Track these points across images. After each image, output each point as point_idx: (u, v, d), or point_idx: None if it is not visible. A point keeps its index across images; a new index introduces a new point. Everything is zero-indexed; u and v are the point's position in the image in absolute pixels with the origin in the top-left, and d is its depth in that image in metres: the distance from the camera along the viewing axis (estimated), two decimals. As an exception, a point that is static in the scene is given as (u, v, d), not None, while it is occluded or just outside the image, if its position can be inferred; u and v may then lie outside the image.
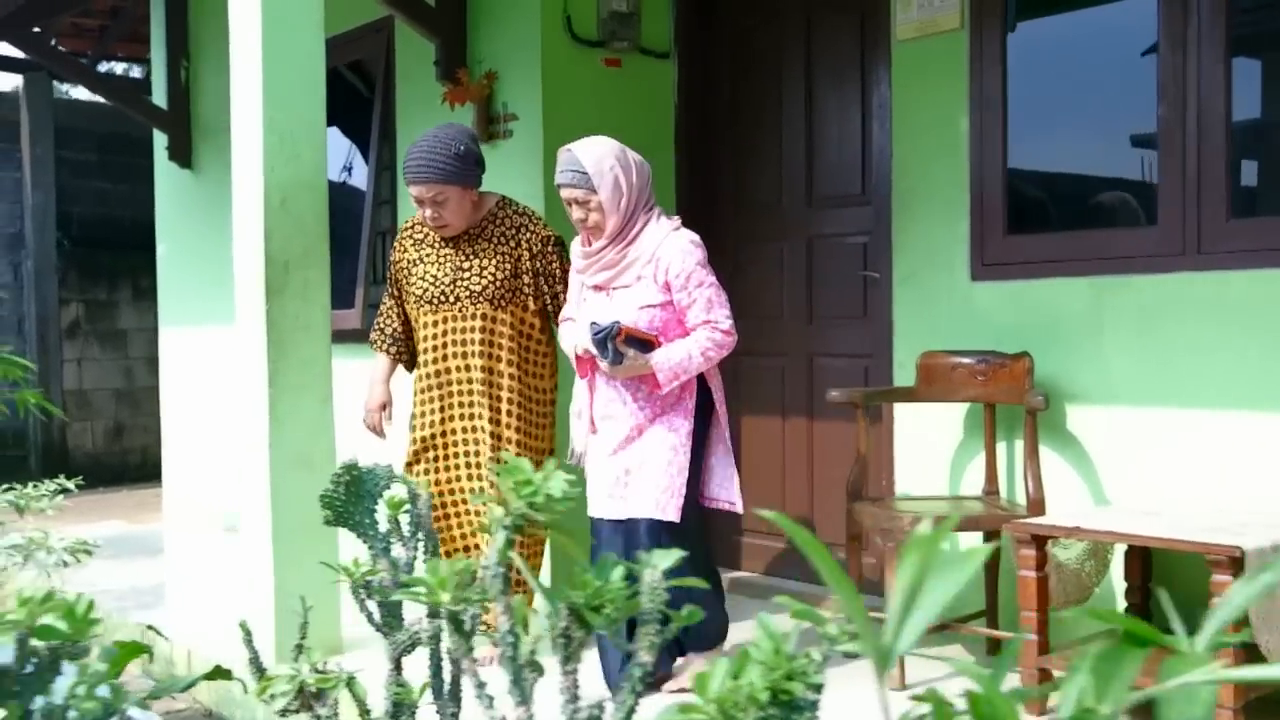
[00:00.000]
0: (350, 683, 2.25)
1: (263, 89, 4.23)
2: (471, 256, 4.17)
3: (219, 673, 1.80)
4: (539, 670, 1.76)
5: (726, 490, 3.92)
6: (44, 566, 3.85)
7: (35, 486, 4.11)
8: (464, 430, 4.20)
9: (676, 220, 3.93)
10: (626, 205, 3.78)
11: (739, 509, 3.94)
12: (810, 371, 5.24)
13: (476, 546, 4.20)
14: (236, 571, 5.89)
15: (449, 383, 4.19)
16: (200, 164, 7.73)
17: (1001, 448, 4.36)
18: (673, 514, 3.71)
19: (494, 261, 4.16)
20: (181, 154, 7.70)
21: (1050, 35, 4.53)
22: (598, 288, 3.88)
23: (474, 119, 5.45)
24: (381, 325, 4.38)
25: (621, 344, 3.65)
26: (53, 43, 8.93)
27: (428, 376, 4.22)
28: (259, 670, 2.29)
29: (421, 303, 4.21)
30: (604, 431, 3.86)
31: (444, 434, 4.21)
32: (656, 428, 3.77)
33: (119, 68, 12.81)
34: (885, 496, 4.60)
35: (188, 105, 7.74)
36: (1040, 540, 3.55)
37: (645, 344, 3.70)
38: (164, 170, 7.98)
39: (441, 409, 4.20)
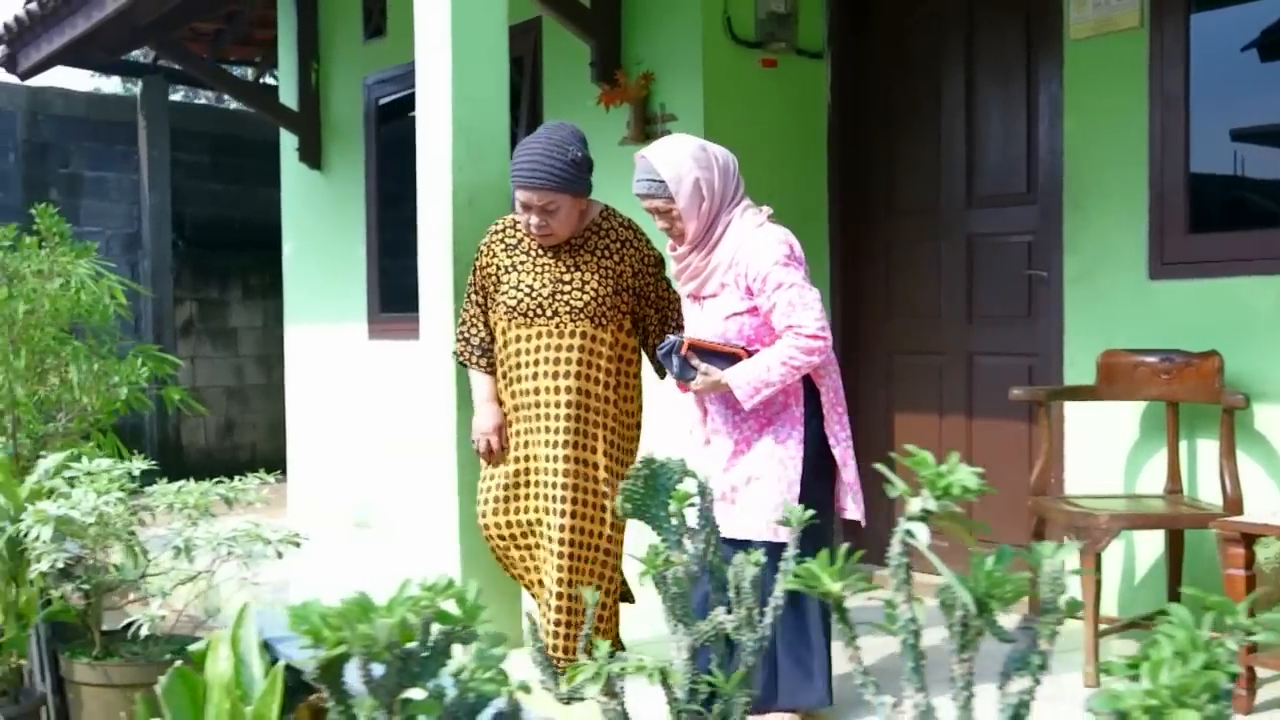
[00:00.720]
0: (664, 674, 2.31)
1: (451, 91, 4.28)
2: (573, 269, 3.82)
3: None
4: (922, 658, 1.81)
5: (849, 500, 3.59)
6: (257, 557, 3.95)
7: (241, 479, 4.23)
8: (547, 459, 3.83)
9: (763, 215, 3.65)
10: (708, 209, 3.55)
11: (860, 519, 3.58)
12: (970, 370, 5.25)
13: (540, 582, 3.94)
14: (376, 566, 6.01)
15: (537, 404, 3.83)
16: (329, 164, 7.84)
17: (1183, 446, 4.35)
18: (785, 535, 3.55)
19: (597, 276, 3.82)
20: (311, 155, 7.82)
21: (1232, 27, 4.51)
22: (691, 296, 3.66)
23: (629, 119, 5.52)
24: (467, 335, 3.99)
25: (692, 359, 3.47)
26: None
27: (517, 395, 3.87)
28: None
29: (514, 314, 3.83)
30: (714, 446, 3.64)
31: (530, 457, 3.89)
32: (764, 440, 3.53)
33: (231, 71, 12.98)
34: (1056, 493, 4.60)
35: (317, 107, 7.86)
36: (1249, 539, 3.55)
37: (727, 356, 3.47)
38: (292, 171, 8.10)
39: (529, 432, 3.87)
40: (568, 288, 3.80)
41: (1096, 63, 4.60)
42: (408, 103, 7.49)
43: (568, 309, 3.79)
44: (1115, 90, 4.54)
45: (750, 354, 3.46)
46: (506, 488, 3.90)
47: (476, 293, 3.96)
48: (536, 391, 3.81)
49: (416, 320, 6.94)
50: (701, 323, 3.57)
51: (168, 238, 10.17)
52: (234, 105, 12.68)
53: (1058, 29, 4.73)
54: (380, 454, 7.18)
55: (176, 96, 12.20)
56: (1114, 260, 4.58)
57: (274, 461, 7.35)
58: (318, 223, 7.95)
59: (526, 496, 3.88)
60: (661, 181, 3.52)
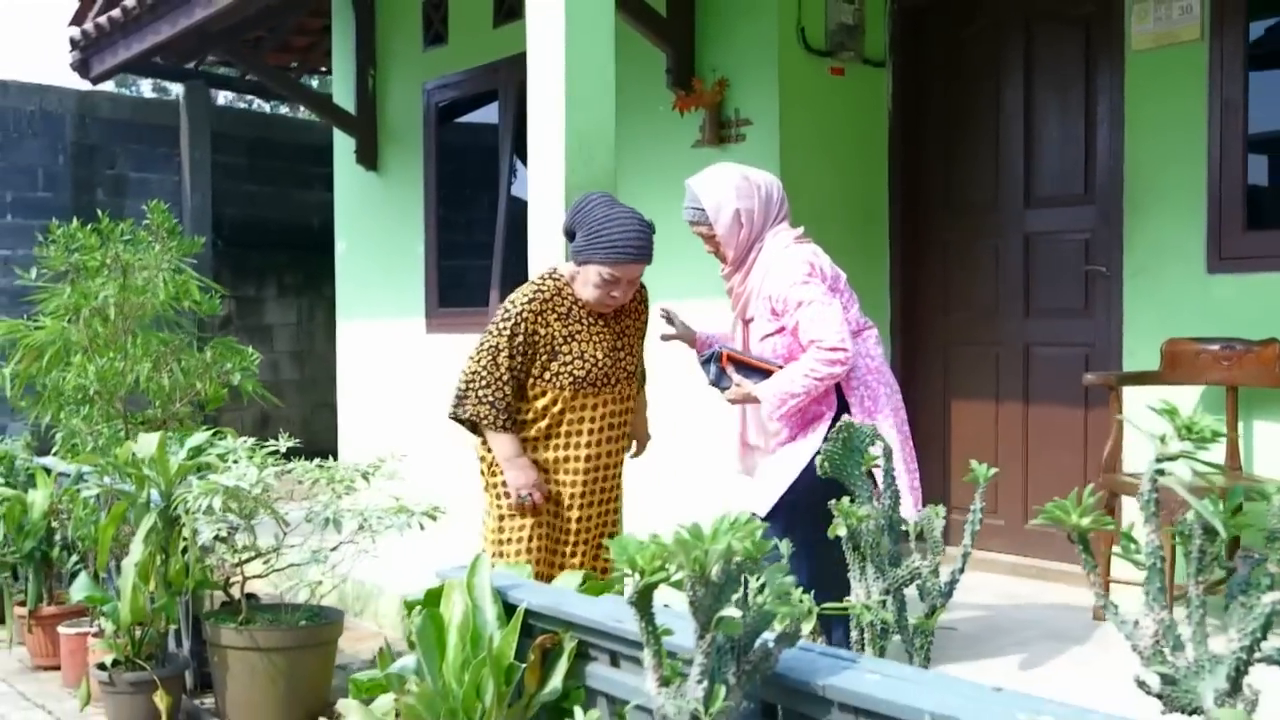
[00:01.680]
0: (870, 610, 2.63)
1: (565, 95, 4.56)
2: (621, 334, 3.89)
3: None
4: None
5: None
6: (402, 528, 4.25)
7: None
8: (602, 514, 3.94)
9: (790, 238, 3.86)
10: (747, 236, 3.83)
11: (912, 513, 3.71)
12: (1026, 361, 5.60)
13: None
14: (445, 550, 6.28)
15: (597, 467, 3.88)
16: (385, 166, 8.12)
17: (1240, 427, 4.70)
18: (763, 508, 3.74)
19: (637, 340, 3.97)
20: (368, 157, 8.10)
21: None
22: (739, 318, 3.98)
23: (704, 123, 5.84)
24: (493, 400, 3.74)
25: (730, 370, 3.79)
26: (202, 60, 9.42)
27: (572, 460, 3.83)
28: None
29: (581, 385, 3.79)
30: (754, 453, 4.05)
31: (586, 517, 3.89)
32: (790, 446, 3.84)
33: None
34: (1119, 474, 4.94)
35: (373, 111, 8.14)
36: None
37: (762, 371, 3.76)
38: (347, 172, 8.38)
39: (586, 494, 3.87)
40: (621, 355, 3.87)
41: (1157, 72, 4.95)
42: (465, 106, 7.82)
43: (625, 375, 3.88)
44: (1176, 98, 4.90)
45: (776, 367, 3.76)
46: (556, 541, 3.88)
47: (512, 357, 3.74)
48: (598, 456, 3.86)
49: (474, 314, 7.28)
50: (746, 343, 3.93)
51: (208, 237, 10.42)
52: (269, 110, 12.92)
53: (1119, 40, 5.09)
54: (439, 443, 7.45)
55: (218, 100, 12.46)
56: (1172, 256, 4.93)
57: (307, 453, 7.63)
58: (373, 222, 8.22)
59: (576, 554, 3.89)
60: (703, 209, 3.84)
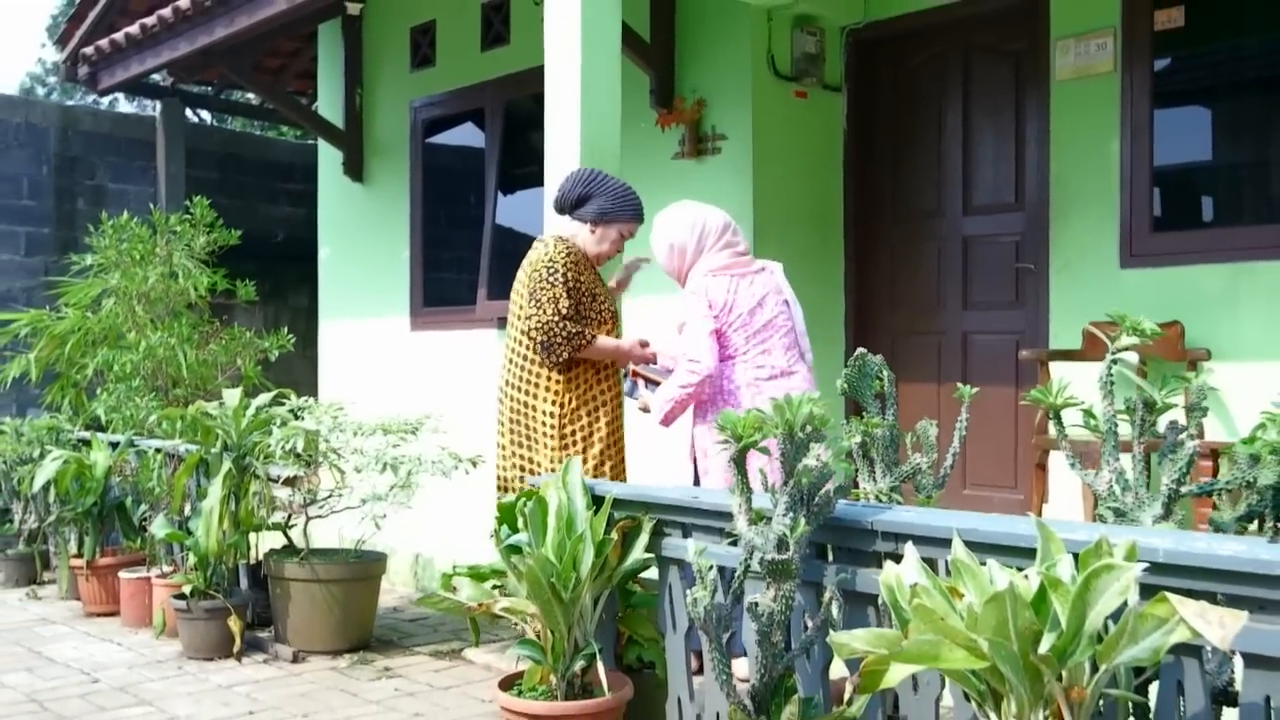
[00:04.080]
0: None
1: (580, 108, 5.26)
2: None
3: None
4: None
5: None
6: (449, 471, 4.93)
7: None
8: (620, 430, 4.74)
9: (705, 269, 4.39)
10: (679, 265, 4.46)
11: None
12: (965, 347, 6.45)
13: None
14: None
15: (619, 389, 4.68)
16: (371, 177, 8.79)
17: (1148, 398, 5.57)
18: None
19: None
20: (355, 169, 8.76)
21: (1186, 71, 5.81)
22: None
23: (683, 138, 6.62)
24: (574, 333, 4.44)
25: (639, 384, 4.50)
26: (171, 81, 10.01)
27: (614, 386, 4.63)
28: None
29: (614, 321, 4.62)
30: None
31: (617, 431, 4.66)
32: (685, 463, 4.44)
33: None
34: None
35: (360, 127, 8.81)
36: (1215, 454, 4.76)
37: (657, 384, 4.41)
38: (331, 182, 9.03)
39: (617, 409, 4.65)
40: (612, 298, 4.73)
41: (1077, 99, 5.84)
42: (451, 122, 8.53)
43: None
44: (1093, 121, 5.79)
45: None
46: (604, 451, 4.55)
47: (569, 297, 4.44)
48: (619, 380, 4.66)
49: (457, 313, 7.97)
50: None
51: (181, 247, 10.95)
52: (239, 128, 13.43)
53: (1045, 72, 5.97)
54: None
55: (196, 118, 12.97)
56: (1091, 254, 5.81)
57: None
58: (358, 229, 8.87)
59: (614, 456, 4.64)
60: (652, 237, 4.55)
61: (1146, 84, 5.63)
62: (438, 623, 5.71)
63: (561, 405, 4.48)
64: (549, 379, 4.46)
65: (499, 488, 4.57)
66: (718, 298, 4.31)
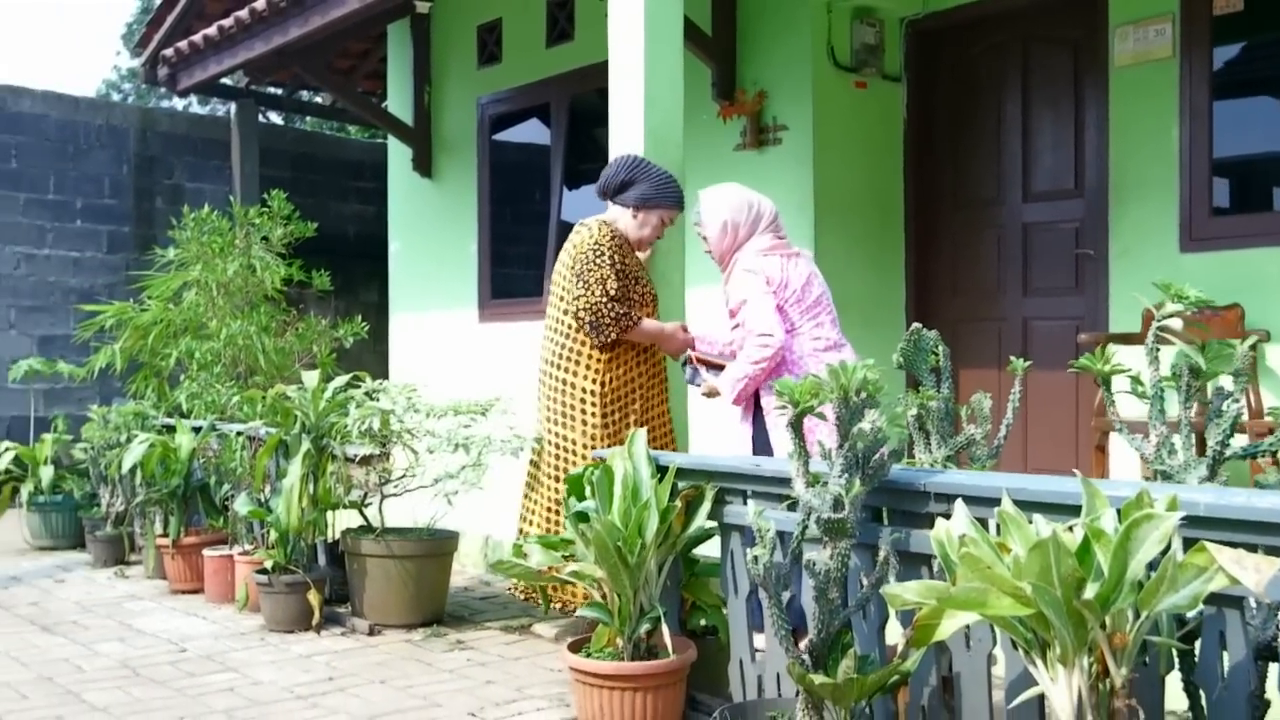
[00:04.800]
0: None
1: (644, 99, 5.40)
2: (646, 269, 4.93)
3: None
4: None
5: None
6: (515, 451, 5.09)
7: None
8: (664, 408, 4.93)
9: (758, 249, 4.47)
10: (730, 244, 4.51)
11: None
12: (1025, 333, 6.52)
13: None
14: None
15: (663, 369, 4.88)
16: (439, 173, 9.00)
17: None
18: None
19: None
20: (424, 165, 8.98)
21: (1248, 55, 5.84)
22: (729, 312, 4.70)
23: (745, 129, 6.75)
24: (620, 314, 4.65)
25: (701, 370, 4.59)
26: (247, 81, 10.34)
27: (655, 366, 4.84)
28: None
29: (653, 305, 4.83)
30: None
31: (656, 410, 4.85)
32: (741, 426, 4.52)
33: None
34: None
35: (429, 124, 9.03)
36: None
37: (719, 368, 4.52)
38: (401, 178, 9.26)
39: (656, 388, 4.84)
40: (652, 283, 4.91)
41: (1136, 85, 5.90)
42: (518, 117, 8.73)
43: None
44: (1152, 106, 5.84)
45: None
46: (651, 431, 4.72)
47: (616, 279, 4.67)
48: (659, 363, 4.87)
49: (524, 305, 8.15)
50: (729, 334, 4.66)
51: (256, 245, 11.26)
52: (310, 128, 13.73)
53: (1103, 58, 6.03)
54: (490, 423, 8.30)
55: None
56: (1150, 239, 5.86)
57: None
58: (428, 224, 9.09)
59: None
60: (702, 216, 4.60)
61: (1206, 69, 5.67)
62: (508, 600, 5.88)
63: (603, 384, 4.65)
64: (591, 357, 4.65)
65: (531, 461, 4.83)
66: (774, 275, 4.42)
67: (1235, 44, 5.85)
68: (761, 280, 4.40)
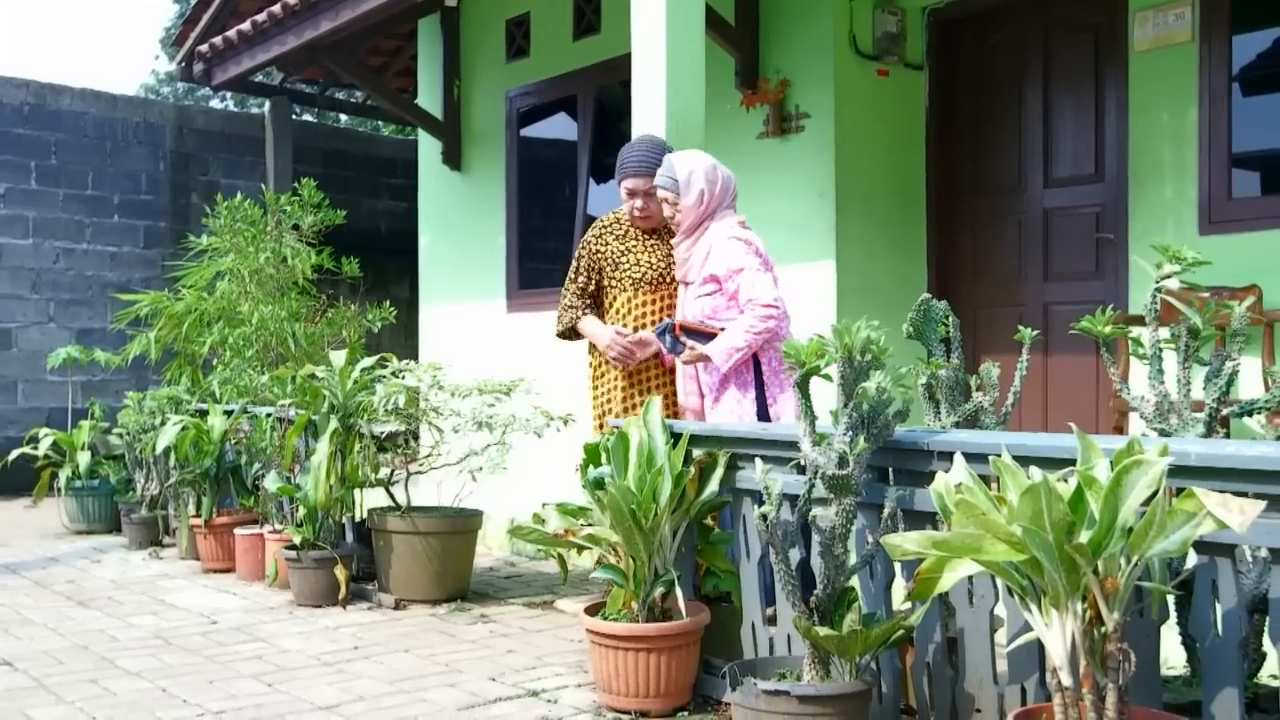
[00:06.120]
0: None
1: (666, 86, 5.46)
2: (667, 251, 4.81)
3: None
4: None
5: None
6: (539, 430, 5.18)
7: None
8: (651, 389, 4.82)
9: (736, 223, 4.56)
10: (702, 212, 4.54)
11: None
12: (1046, 318, 6.56)
13: None
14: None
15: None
16: (468, 166, 9.12)
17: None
18: None
19: (672, 255, 4.81)
20: (453, 158, 9.10)
21: (1267, 38, 5.87)
22: (681, 281, 4.68)
23: (767, 117, 6.82)
24: (574, 304, 4.87)
25: (683, 337, 4.51)
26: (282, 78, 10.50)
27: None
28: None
29: (641, 285, 4.78)
30: (685, 414, 4.68)
31: (649, 389, 4.81)
32: (728, 392, 4.42)
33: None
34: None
35: (458, 117, 9.15)
36: (1288, 410, 4.83)
37: (705, 334, 4.41)
38: (431, 171, 9.39)
39: (646, 369, 4.81)
40: (668, 263, 4.81)
41: (1156, 69, 5.93)
42: (545, 110, 8.83)
43: (672, 278, 4.81)
44: (1171, 90, 5.87)
45: (718, 330, 4.41)
46: (625, 406, 4.77)
47: (582, 273, 4.87)
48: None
49: (552, 295, 8.24)
50: (684, 302, 4.70)
51: (290, 239, 11.43)
52: (342, 124, 13.88)
53: (1123, 44, 6.07)
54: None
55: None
56: (1170, 222, 5.89)
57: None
58: (457, 216, 9.21)
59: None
60: (676, 180, 4.58)
61: (1225, 52, 5.70)
62: (531, 579, 5.98)
63: (592, 366, 4.87)
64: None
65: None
66: (761, 247, 4.54)
67: (1254, 25, 5.88)
68: (754, 250, 4.47)
